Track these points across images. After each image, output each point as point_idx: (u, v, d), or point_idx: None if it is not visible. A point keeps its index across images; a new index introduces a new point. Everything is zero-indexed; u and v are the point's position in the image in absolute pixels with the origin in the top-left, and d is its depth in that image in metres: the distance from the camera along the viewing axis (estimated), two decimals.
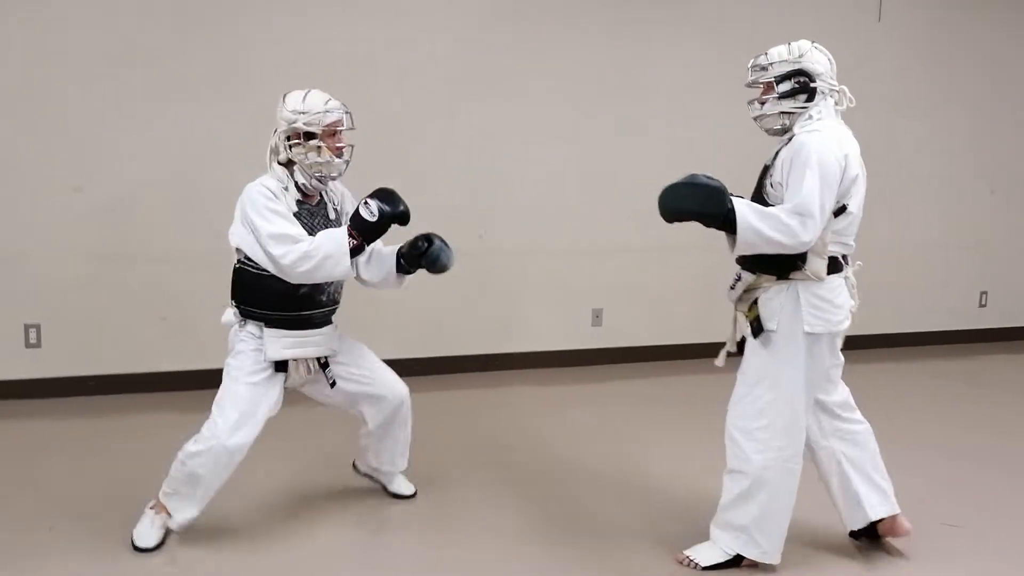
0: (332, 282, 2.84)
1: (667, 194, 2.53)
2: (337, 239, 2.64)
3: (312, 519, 3.06)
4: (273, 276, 2.69)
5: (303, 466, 3.55)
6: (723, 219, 2.46)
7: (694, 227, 2.62)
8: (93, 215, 4.39)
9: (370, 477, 3.27)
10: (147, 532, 2.79)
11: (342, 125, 2.74)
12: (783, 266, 2.58)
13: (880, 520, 2.81)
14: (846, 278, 2.67)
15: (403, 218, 2.73)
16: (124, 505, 3.11)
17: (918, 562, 2.84)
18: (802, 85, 2.59)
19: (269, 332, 2.76)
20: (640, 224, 5.40)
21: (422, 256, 2.76)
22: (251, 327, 2.79)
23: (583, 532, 3.03)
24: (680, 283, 5.47)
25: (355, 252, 2.67)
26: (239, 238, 2.74)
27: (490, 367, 5.17)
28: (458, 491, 3.33)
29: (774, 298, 2.61)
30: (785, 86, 2.60)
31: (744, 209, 2.46)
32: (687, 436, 3.99)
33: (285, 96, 2.76)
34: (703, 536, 2.82)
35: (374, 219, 2.66)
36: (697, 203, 2.48)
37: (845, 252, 2.65)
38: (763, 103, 2.65)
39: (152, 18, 4.36)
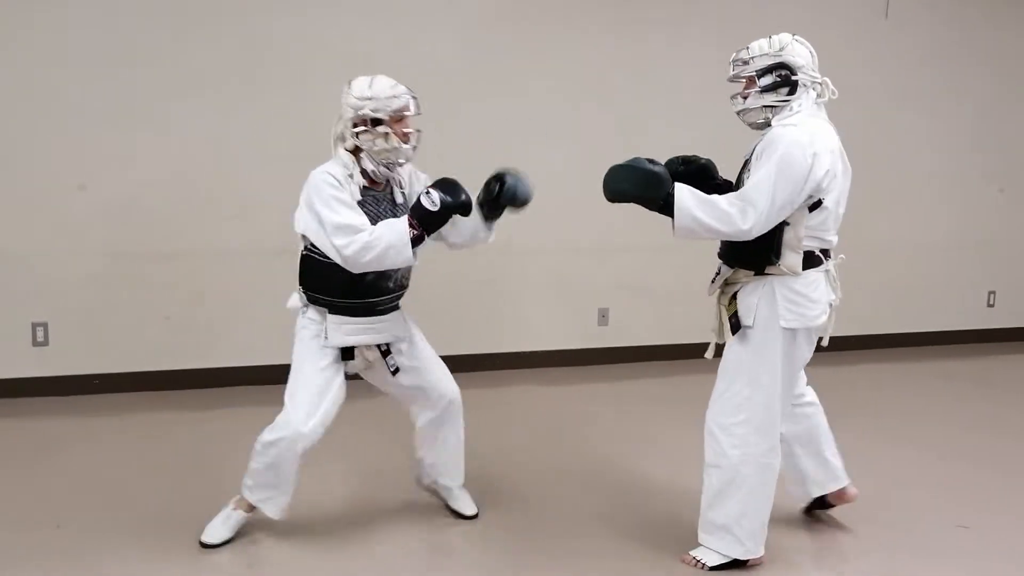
0: (399, 267, 2.78)
1: (610, 175, 2.61)
2: (398, 229, 2.59)
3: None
4: (322, 261, 2.67)
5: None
6: (662, 203, 2.51)
7: None
8: (99, 214, 4.40)
9: (433, 492, 3.18)
10: (218, 529, 2.81)
11: (409, 110, 2.70)
12: (759, 261, 2.60)
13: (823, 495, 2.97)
14: (826, 272, 2.66)
15: (465, 208, 2.68)
16: (130, 502, 3.13)
17: (927, 561, 2.83)
18: (784, 78, 2.58)
19: (332, 319, 2.74)
20: (646, 223, 5.36)
21: (499, 196, 2.73)
22: (313, 312, 2.77)
23: (587, 530, 3.02)
24: (687, 282, 5.43)
25: (416, 242, 2.62)
26: (304, 225, 2.68)
27: (496, 366, 5.17)
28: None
29: (751, 293, 2.63)
30: (767, 80, 2.59)
31: (685, 195, 2.50)
32: (693, 435, 3.97)
33: (351, 82, 2.71)
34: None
35: (435, 209, 2.61)
36: (636, 186, 2.54)
37: (823, 247, 2.64)
38: (745, 97, 2.65)
39: (155, 17, 4.36)
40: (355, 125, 2.68)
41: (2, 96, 4.21)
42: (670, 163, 2.77)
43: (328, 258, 2.65)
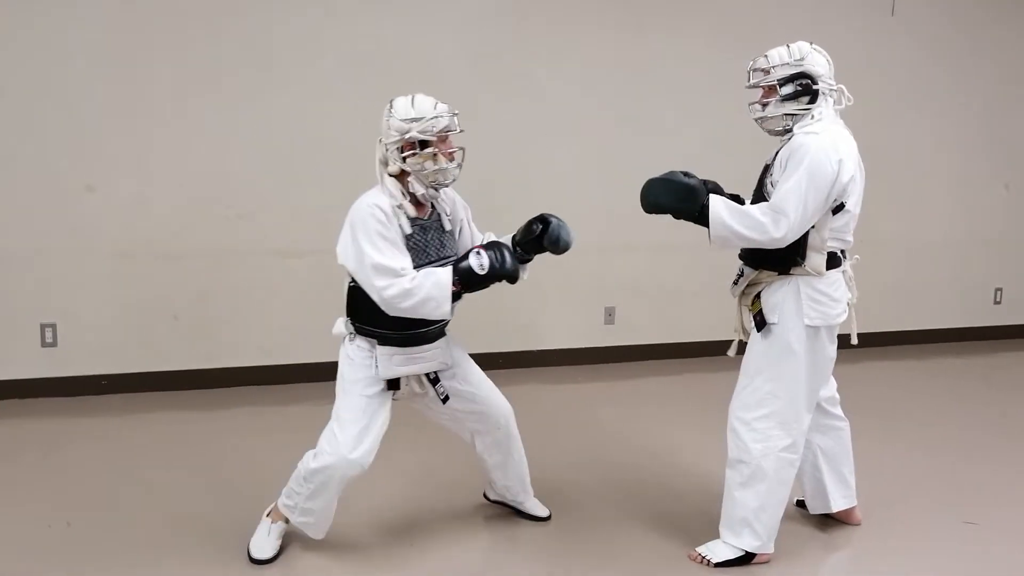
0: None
1: (647, 189, 2.72)
2: (441, 283, 2.53)
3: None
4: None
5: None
6: (697, 215, 2.62)
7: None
8: (108, 215, 4.41)
9: (502, 503, 3.16)
10: (264, 543, 2.75)
11: (452, 129, 2.62)
12: (784, 262, 2.65)
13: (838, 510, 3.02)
14: (844, 272, 2.73)
15: (512, 278, 2.64)
16: (139, 501, 3.14)
17: (936, 557, 2.83)
18: (805, 87, 2.64)
19: (382, 350, 2.66)
20: (653, 222, 5.37)
21: (541, 238, 2.69)
22: (361, 341, 2.69)
23: (595, 528, 3.03)
24: (694, 281, 5.46)
25: (455, 298, 2.57)
26: (346, 256, 2.60)
27: (502, 365, 5.16)
28: (469, 487, 3.33)
29: (776, 292, 2.68)
30: (788, 88, 2.65)
31: (718, 206, 2.60)
32: (701, 434, 3.98)
33: (392, 104, 2.60)
34: (717, 532, 2.81)
35: (483, 273, 2.57)
36: (673, 200, 2.66)
37: (843, 247, 2.72)
38: (765, 105, 2.70)
39: (164, 17, 4.37)
40: (402, 149, 2.58)
41: (11, 97, 4.23)
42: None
43: None
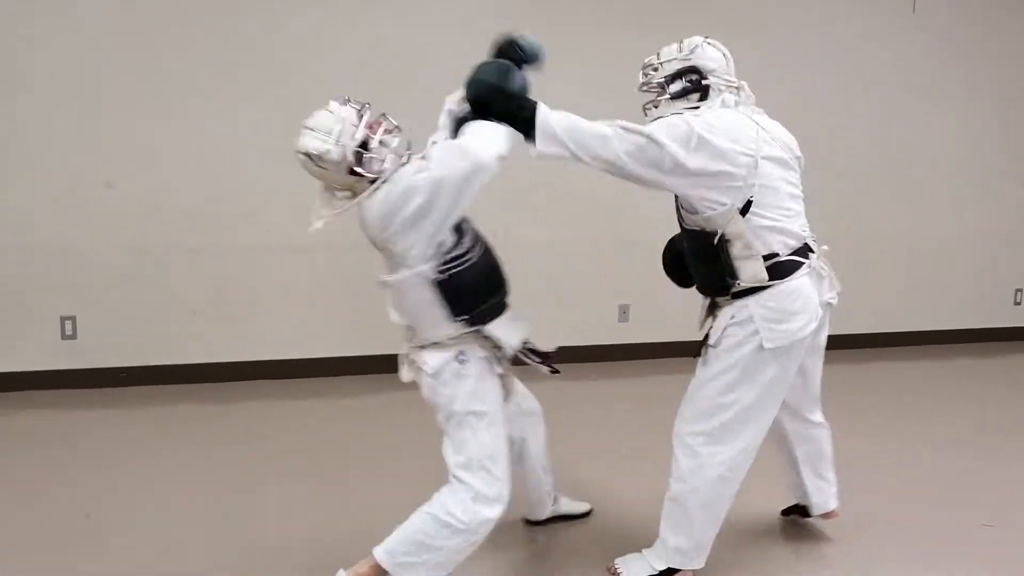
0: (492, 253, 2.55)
1: (475, 70, 2.42)
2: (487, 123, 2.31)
3: None
4: (467, 267, 2.34)
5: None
6: (520, 107, 2.36)
7: None
8: (127, 209, 4.46)
9: (544, 521, 2.98)
10: None
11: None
12: (721, 285, 2.41)
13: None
14: (813, 270, 2.39)
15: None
16: (157, 493, 3.17)
17: (954, 560, 2.81)
18: (694, 83, 2.40)
19: (494, 326, 2.42)
20: (667, 219, 5.36)
21: (524, 58, 2.49)
22: (472, 350, 2.39)
23: (604, 530, 3.03)
24: None
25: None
26: (425, 238, 2.24)
27: (515, 361, 5.17)
28: None
29: (723, 315, 2.42)
30: (676, 86, 2.43)
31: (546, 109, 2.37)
32: None
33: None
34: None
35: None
36: (494, 76, 2.36)
37: (795, 243, 2.36)
38: (656, 106, 2.49)
39: (182, 14, 4.41)
40: None
41: (34, 97, 4.28)
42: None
43: (455, 265, 2.31)
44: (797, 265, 2.35)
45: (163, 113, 4.44)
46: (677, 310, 5.65)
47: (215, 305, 4.64)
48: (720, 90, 2.40)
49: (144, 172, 4.46)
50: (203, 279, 4.60)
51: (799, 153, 2.49)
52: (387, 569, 2.31)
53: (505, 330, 2.45)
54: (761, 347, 2.33)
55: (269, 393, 4.50)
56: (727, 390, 2.40)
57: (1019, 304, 6.38)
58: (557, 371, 2.65)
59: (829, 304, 2.47)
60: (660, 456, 3.71)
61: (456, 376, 2.35)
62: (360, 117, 2.32)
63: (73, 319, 4.47)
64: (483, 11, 4.90)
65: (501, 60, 2.40)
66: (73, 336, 4.47)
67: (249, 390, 4.54)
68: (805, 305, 2.35)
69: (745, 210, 2.30)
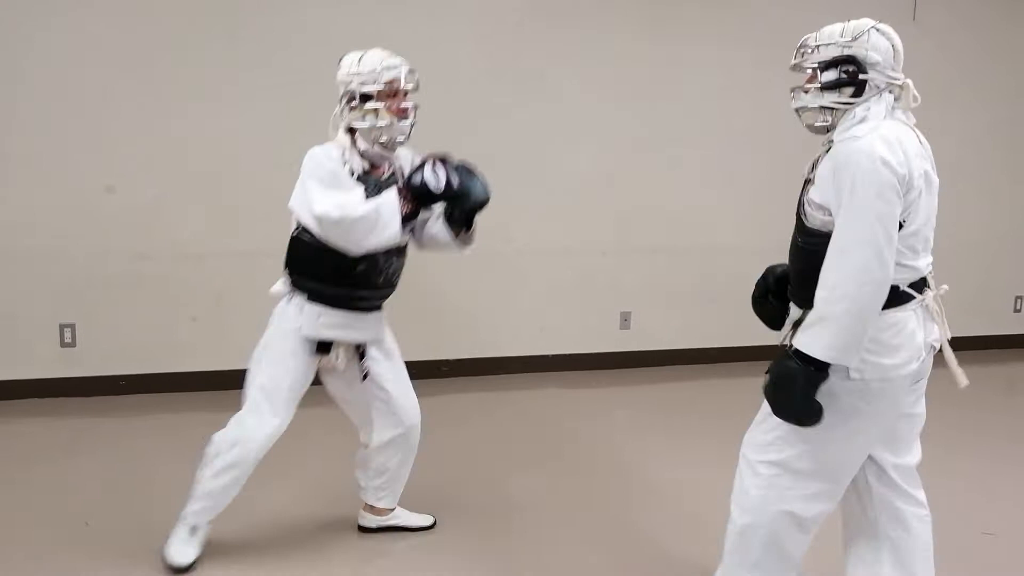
0: (391, 262, 2.65)
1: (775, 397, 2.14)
2: (388, 198, 2.41)
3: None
4: (330, 248, 2.50)
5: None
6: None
7: (725, 229, 2.59)
8: (126, 215, 4.45)
9: (377, 529, 2.99)
10: (182, 548, 2.69)
11: (402, 83, 2.53)
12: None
13: None
14: (918, 307, 2.13)
15: (482, 201, 2.49)
16: (157, 502, 3.16)
17: (954, 569, 2.80)
18: (850, 76, 2.09)
19: (309, 308, 2.60)
20: (669, 226, 5.38)
21: (435, 192, 2.45)
22: (298, 299, 2.63)
23: (606, 538, 3.01)
24: (709, 286, 5.43)
25: (407, 219, 2.45)
26: (296, 202, 2.55)
27: (517, 369, 5.17)
28: (482, 495, 3.33)
29: None
30: (830, 75, 2.11)
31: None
32: (717, 442, 3.95)
33: (341, 59, 2.58)
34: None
35: (438, 191, 2.43)
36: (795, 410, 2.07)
37: (911, 277, 2.10)
38: (806, 92, 2.18)
39: (181, 17, 4.40)
40: (347, 102, 2.55)
41: (32, 99, 4.27)
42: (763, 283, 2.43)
43: (319, 241, 2.51)
44: (905, 298, 2.11)
45: (164, 117, 4.43)
46: (679, 318, 5.67)
47: (216, 312, 4.62)
48: (880, 88, 2.11)
49: (145, 177, 4.45)
50: (204, 286, 4.59)
51: (934, 174, 2.19)
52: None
53: (316, 320, 2.60)
54: (848, 376, 2.06)
55: None
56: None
57: (1019, 311, 6.38)
58: (367, 375, 2.75)
59: (932, 347, 2.20)
60: (661, 463, 3.72)
61: (281, 308, 2.69)
62: None
63: (72, 326, 4.46)
64: (497, 12, 4.91)
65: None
66: (72, 344, 4.46)
67: None
68: (905, 342, 2.10)
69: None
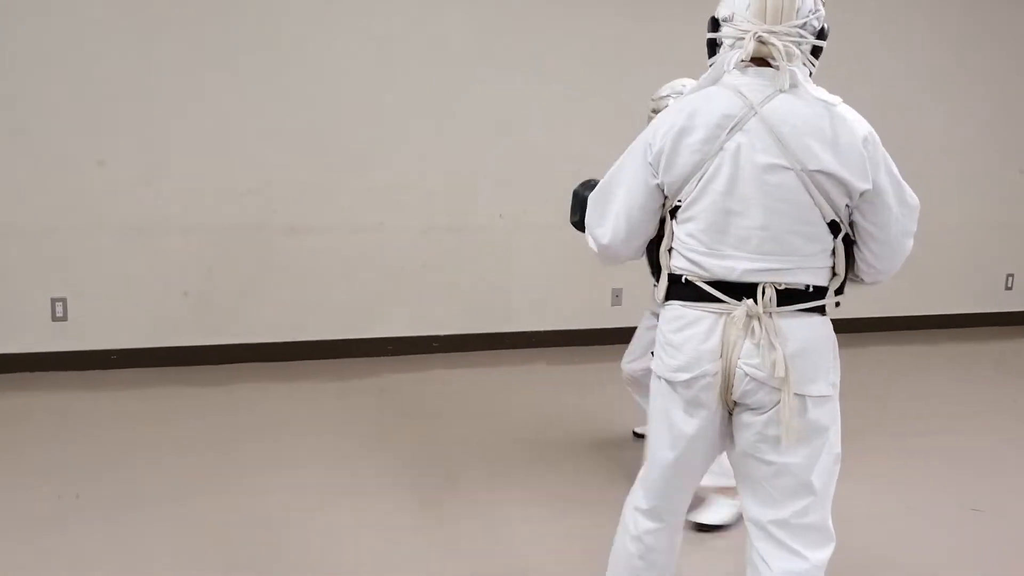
0: None
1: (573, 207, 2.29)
2: None
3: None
4: None
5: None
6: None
7: None
8: (118, 189, 4.43)
9: None
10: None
11: None
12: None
13: None
14: (720, 316, 1.71)
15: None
16: (148, 474, 3.17)
17: (940, 543, 2.83)
18: (711, 41, 1.85)
19: None
20: None
21: None
22: None
23: (597, 512, 3.04)
24: None
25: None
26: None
27: (507, 345, 5.18)
28: (472, 469, 3.34)
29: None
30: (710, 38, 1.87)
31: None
32: None
33: None
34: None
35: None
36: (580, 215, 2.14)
37: (705, 276, 1.73)
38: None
39: None
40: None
41: (22, 72, 4.23)
42: None
43: None
44: (695, 294, 1.76)
45: (155, 90, 4.40)
46: None
47: (207, 286, 4.62)
48: (727, 43, 1.78)
49: (135, 150, 4.43)
50: (195, 260, 4.58)
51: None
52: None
53: None
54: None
55: (262, 376, 4.49)
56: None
57: (1010, 289, 6.41)
58: None
59: (745, 374, 1.69)
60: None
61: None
62: None
63: (64, 300, 4.45)
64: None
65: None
66: (64, 318, 4.45)
67: (242, 373, 4.53)
68: (685, 344, 1.75)
69: (673, 212, 1.82)
